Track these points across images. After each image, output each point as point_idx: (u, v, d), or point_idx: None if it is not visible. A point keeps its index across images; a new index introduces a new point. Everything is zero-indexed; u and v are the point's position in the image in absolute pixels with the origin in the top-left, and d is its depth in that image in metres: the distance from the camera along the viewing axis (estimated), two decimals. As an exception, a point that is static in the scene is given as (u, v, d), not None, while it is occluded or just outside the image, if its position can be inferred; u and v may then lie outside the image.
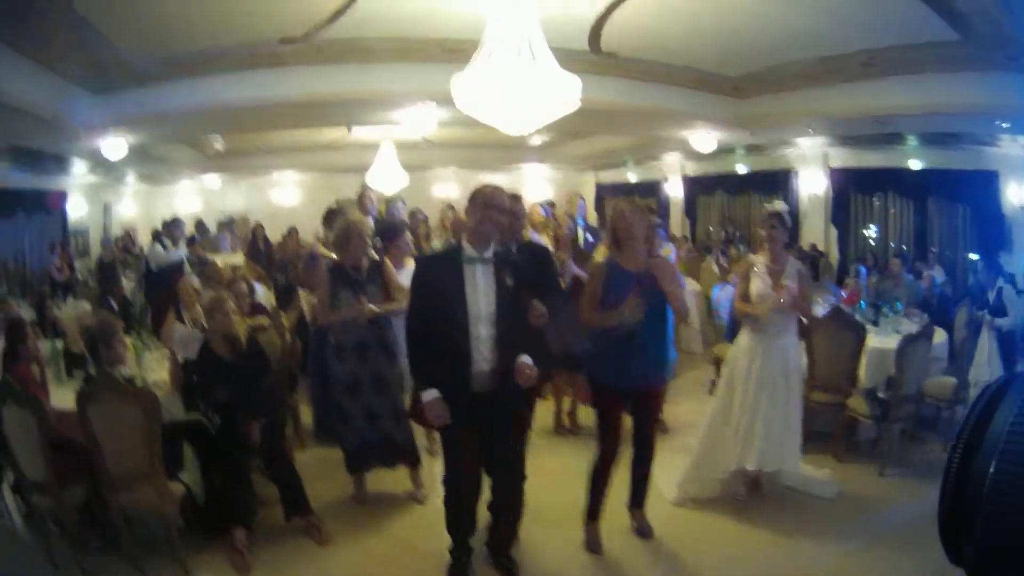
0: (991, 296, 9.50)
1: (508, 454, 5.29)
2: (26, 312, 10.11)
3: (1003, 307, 9.22)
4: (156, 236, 13.52)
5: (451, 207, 13.31)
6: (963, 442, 2.12)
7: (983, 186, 13.94)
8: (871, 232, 17.08)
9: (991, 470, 1.96)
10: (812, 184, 17.43)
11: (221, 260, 11.21)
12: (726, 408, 6.67)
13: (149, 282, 12.30)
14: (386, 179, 14.69)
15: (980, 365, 8.40)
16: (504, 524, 5.52)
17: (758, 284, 6.47)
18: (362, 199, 10.22)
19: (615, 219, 5.72)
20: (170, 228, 12.56)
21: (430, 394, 4.90)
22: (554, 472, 7.09)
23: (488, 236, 5.03)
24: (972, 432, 2.11)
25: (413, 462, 6.79)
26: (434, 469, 6.74)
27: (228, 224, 19.62)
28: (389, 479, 6.97)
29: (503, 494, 5.43)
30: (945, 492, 2.17)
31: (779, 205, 6.71)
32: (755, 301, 6.49)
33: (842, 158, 16.90)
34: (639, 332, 5.50)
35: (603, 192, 25.69)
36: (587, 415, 8.07)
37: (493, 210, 5.03)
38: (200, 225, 19.10)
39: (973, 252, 14.01)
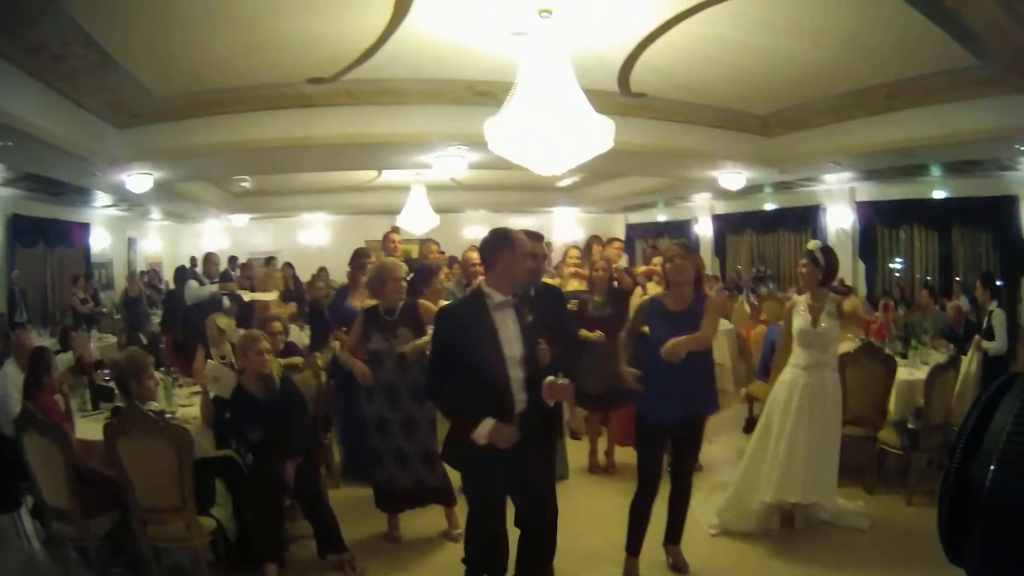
0: (985, 320, 9.46)
1: (540, 488, 5.25)
2: (48, 342, 10.10)
3: (992, 330, 9.18)
4: (181, 272, 13.50)
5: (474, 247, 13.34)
6: (962, 443, 2.14)
7: (1005, 212, 13.92)
8: (897, 265, 17.04)
9: (990, 471, 1.98)
10: (839, 219, 17.41)
11: (249, 297, 11.23)
12: (765, 440, 6.69)
13: (184, 317, 12.28)
14: (417, 221, 14.76)
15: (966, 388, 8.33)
16: (538, 554, 5.46)
17: (799, 321, 6.54)
18: (386, 241, 10.24)
19: (667, 262, 5.77)
20: (206, 263, 12.50)
21: (488, 423, 4.71)
22: (589, 512, 7.11)
23: (523, 283, 5.04)
24: (971, 433, 2.13)
25: (448, 502, 6.75)
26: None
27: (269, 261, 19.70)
28: (424, 518, 6.93)
29: (535, 522, 5.36)
30: (945, 493, 2.18)
31: (812, 244, 6.75)
32: (796, 337, 6.56)
33: (867, 192, 16.90)
34: (683, 368, 5.54)
35: (633, 233, 25.70)
36: (622, 454, 8.12)
37: (530, 258, 5.05)
38: (233, 261, 19.14)
39: (997, 278, 14.00)
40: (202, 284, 11.99)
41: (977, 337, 9.09)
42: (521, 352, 4.90)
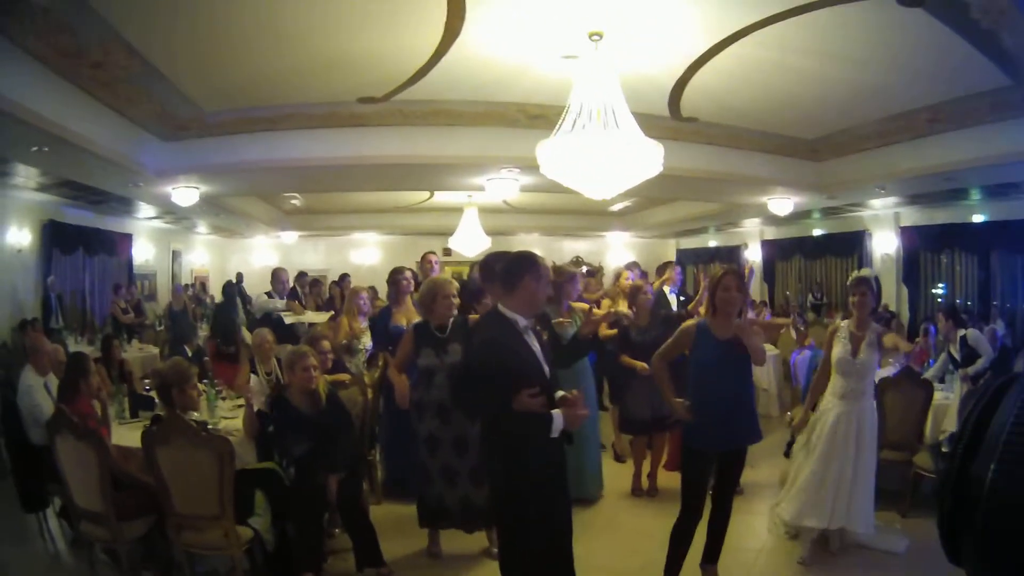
0: (956, 349, 9.35)
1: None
2: (85, 349, 10.15)
3: (968, 356, 9.07)
4: (229, 287, 13.37)
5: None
6: (963, 443, 2.15)
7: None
8: (939, 290, 16.96)
9: (991, 471, 1.99)
10: (884, 244, 17.35)
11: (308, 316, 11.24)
12: (803, 462, 6.74)
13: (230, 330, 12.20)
14: (469, 243, 14.85)
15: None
16: None
17: (839, 349, 6.52)
18: (424, 261, 10.29)
19: (718, 289, 5.77)
20: (274, 280, 12.35)
21: (556, 413, 4.56)
22: (631, 533, 7.13)
23: (541, 307, 5.04)
24: (972, 433, 2.13)
25: (492, 523, 6.56)
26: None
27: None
28: (465, 535, 6.84)
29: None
30: (945, 492, 2.19)
31: (866, 272, 6.74)
32: (834, 366, 6.55)
33: (912, 217, 16.85)
34: (729, 397, 5.56)
35: (683, 258, 25.59)
36: (665, 478, 8.11)
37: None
38: (301, 277, 19.18)
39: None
40: (271, 297, 11.95)
41: (962, 370, 8.98)
42: (549, 373, 4.89)
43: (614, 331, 8.23)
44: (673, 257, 25.61)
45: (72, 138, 8.42)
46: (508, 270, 4.77)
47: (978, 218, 15.57)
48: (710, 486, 6.00)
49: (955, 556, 2.25)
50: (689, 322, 5.94)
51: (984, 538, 2.05)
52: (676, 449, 6.41)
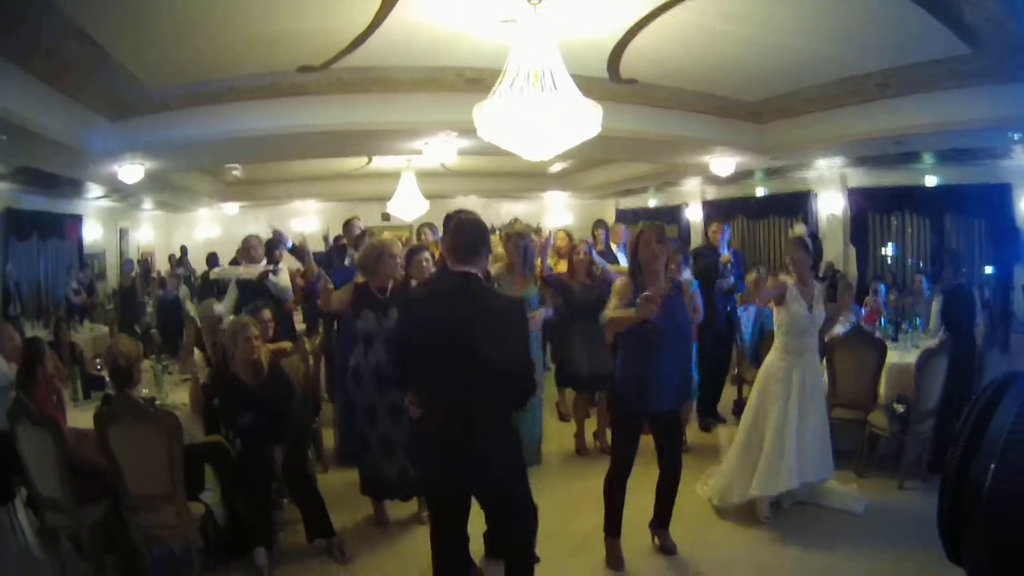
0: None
1: None
2: (41, 334, 10.07)
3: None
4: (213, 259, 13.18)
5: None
6: (962, 442, 2.16)
7: (998, 200, 13.92)
8: (889, 251, 17.08)
9: (990, 470, 2.00)
10: (830, 205, 17.43)
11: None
12: (761, 425, 6.78)
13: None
14: (407, 207, 14.81)
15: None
16: None
17: (795, 308, 6.57)
18: (348, 225, 10.31)
19: (638, 247, 5.76)
20: (246, 246, 11.76)
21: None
22: (578, 495, 7.16)
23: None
24: (971, 432, 2.15)
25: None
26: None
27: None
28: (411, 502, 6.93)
29: None
30: (945, 492, 2.20)
31: (800, 230, 6.84)
32: (790, 325, 6.65)
33: (859, 178, 16.90)
34: (663, 355, 5.56)
35: (623, 218, 25.44)
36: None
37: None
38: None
39: (989, 266, 14.01)
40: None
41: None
42: None
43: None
44: (613, 217, 25.77)
45: (28, 125, 8.34)
46: (478, 236, 4.62)
47: (931, 181, 15.65)
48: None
49: (955, 555, 2.26)
50: (622, 280, 5.92)
51: (984, 538, 2.06)
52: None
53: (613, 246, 11.32)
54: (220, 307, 9.34)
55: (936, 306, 8.81)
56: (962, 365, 8.01)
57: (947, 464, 2.23)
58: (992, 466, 2.00)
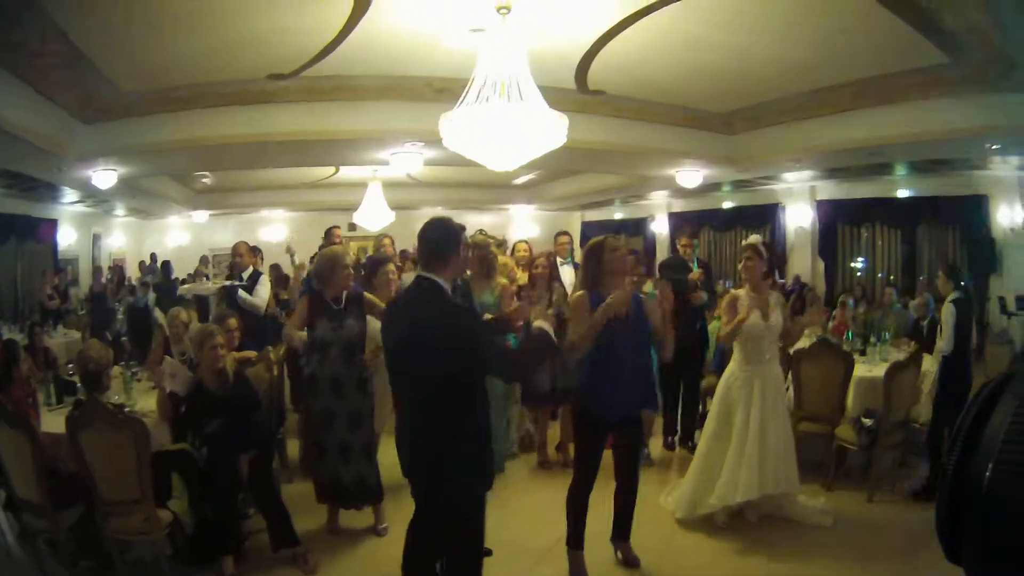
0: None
1: None
2: (16, 338, 10.03)
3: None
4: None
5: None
6: (960, 443, 2.16)
7: (973, 210, 14.03)
8: (858, 264, 17.17)
9: (988, 470, 1.99)
10: (799, 217, 17.53)
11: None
12: (722, 436, 6.76)
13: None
14: (373, 217, 14.79)
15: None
16: None
17: (751, 318, 6.57)
18: (330, 236, 10.30)
19: (604, 253, 5.76)
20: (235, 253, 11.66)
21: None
22: (541, 507, 7.12)
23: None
24: (969, 432, 2.15)
25: (377, 500, 6.72)
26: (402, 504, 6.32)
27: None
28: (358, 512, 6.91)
29: None
30: (943, 492, 2.20)
31: (753, 238, 6.85)
32: (746, 334, 6.61)
33: (829, 191, 17.02)
34: (623, 363, 5.57)
35: (589, 231, 25.66)
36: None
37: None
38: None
39: (963, 276, 14.13)
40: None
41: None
42: None
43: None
44: (579, 230, 25.99)
45: (11, 128, 8.36)
46: (442, 242, 4.69)
47: (903, 193, 15.75)
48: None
49: (954, 556, 2.25)
50: (579, 292, 5.90)
51: (983, 538, 2.07)
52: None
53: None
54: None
55: (949, 318, 8.83)
56: (961, 376, 8.00)
57: (945, 464, 2.23)
58: (990, 465, 2.00)
